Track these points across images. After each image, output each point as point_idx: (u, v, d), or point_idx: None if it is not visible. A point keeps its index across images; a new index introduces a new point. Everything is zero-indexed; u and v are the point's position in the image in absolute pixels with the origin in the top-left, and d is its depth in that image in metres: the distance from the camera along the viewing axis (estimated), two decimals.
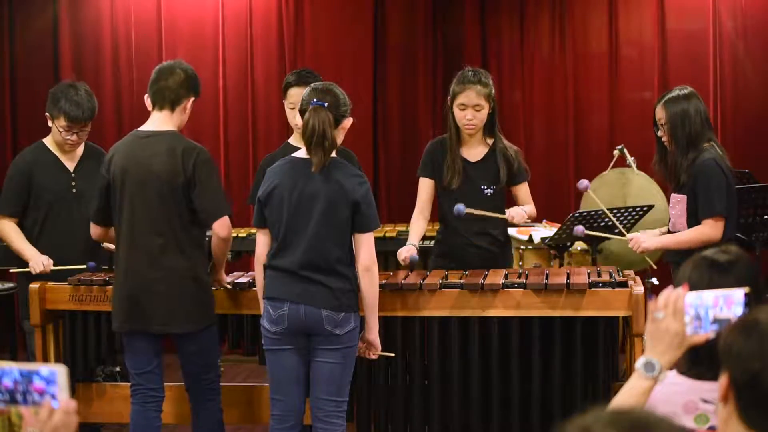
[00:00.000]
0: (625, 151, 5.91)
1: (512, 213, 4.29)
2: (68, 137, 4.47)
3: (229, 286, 4.16)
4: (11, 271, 4.51)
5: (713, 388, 2.07)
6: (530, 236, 5.62)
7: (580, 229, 4.40)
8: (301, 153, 3.69)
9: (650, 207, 4.88)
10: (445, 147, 4.39)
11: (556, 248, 5.30)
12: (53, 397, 1.82)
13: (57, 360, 4.24)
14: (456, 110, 4.34)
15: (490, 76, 4.38)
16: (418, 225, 4.38)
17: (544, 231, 5.70)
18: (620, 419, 1.41)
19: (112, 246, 4.15)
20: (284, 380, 3.68)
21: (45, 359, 4.23)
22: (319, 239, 3.60)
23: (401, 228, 5.81)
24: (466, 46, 6.94)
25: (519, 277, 4.05)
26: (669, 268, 4.57)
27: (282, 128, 4.46)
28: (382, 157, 7.04)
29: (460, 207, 4.18)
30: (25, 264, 4.41)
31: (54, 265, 4.37)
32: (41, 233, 4.49)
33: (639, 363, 2.14)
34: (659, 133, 4.40)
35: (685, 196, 4.31)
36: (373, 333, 3.73)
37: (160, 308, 3.87)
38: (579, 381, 3.91)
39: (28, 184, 4.50)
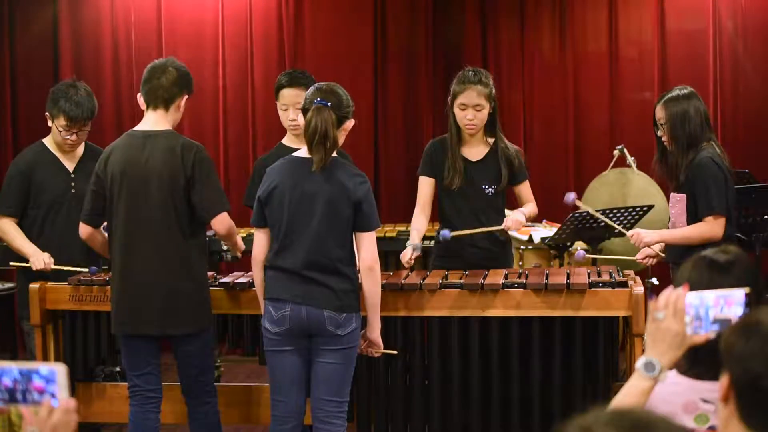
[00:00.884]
0: (625, 151, 5.91)
1: (509, 224, 4.27)
2: (68, 137, 4.46)
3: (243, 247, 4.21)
4: (11, 264, 4.50)
5: (713, 388, 2.07)
6: (530, 236, 5.62)
7: (571, 196, 4.29)
8: (302, 152, 3.69)
9: (650, 207, 4.88)
10: (446, 146, 4.39)
11: (556, 248, 5.30)
12: (53, 396, 1.82)
13: (57, 360, 4.23)
14: (456, 110, 4.34)
15: (490, 76, 4.38)
16: (419, 224, 4.38)
17: (544, 231, 5.71)
18: (620, 419, 1.41)
19: (98, 249, 4.12)
20: (285, 381, 3.68)
21: (45, 359, 4.23)
22: (320, 239, 3.60)
23: (401, 228, 5.82)
24: (466, 46, 6.95)
25: (519, 277, 4.05)
26: (669, 268, 4.57)
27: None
28: (382, 157, 7.04)
29: (445, 232, 4.22)
30: (25, 260, 4.40)
31: (53, 264, 4.37)
32: (40, 233, 4.48)
33: (639, 363, 2.14)
34: (659, 133, 4.40)
35: (684, 195, 4.31)
36: (376, 332, 3.73)
37: (157, 309, 3.86)
38: (579, 381, 3.91)
39: (27, 184, 4.50)
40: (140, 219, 3.86)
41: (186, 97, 3.99)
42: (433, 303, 3.97)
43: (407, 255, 4.15)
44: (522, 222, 4.31)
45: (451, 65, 6.78)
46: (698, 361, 2.24)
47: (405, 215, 5.72)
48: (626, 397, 2.13)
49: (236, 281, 4.18)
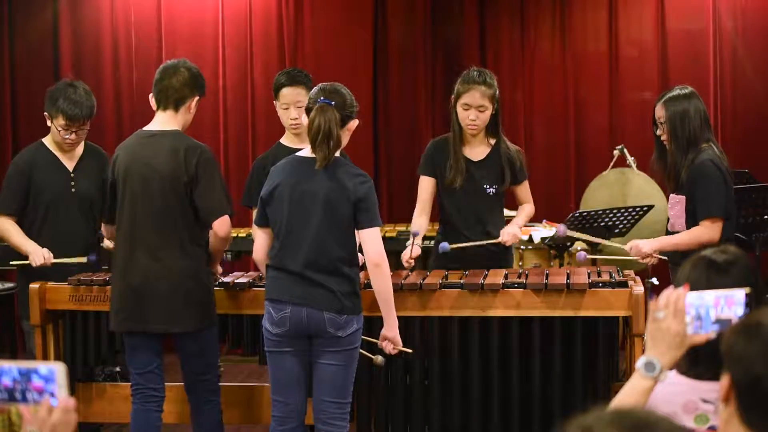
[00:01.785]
0: (625, 151, 5.91)
1: (506, 238, 4.28)
2: (67, 136, 4.46)
3: (221, 278, 4.15)
4: (11, 263, 4.50)
5: (713, 388, 2.07)
6: (530, 236, 5.62)
7: (561, 228, 4.38)
8: (305, 152, 3.69)
9: (650, 207, 4.89)
10: (447, 146, 4.39)
11: (556, 248, 5.30)
12: (52, 395, 1.81)
13: (57, 360, 4.23)
14: (459, 110, 4.34)
15: (495, 77, 4.37)
16: (421, 223, 4.37)
17: (544, 231, 5.71)
18: (621, 419, 1.41)
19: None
20: (285, 382, 3.68)
21: (45, 359, 4.22)
22: (321, 239, 3.59)
23: (401, 228, 5.81)
24: (466, 46, 6.95)
25: (519, 277, 4.05)
26: (669, 268, 4.57)
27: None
28: (382, 157, 7.04)
29: (444, 245, 4.24)
30: (26, 258, 4.40)
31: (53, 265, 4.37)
32: (40, 232, 4.48)
33: (640, 363, 2.14)
34: (658, 132, 4.40)
35: (683, 197, 4.31)
36: (394, 329, 3.69)
37: (160, 307, 3.86)
38: (579, 381, 3.90)
39: (27, 184, 4.50)
40: (143, 218, 3.87)
41: (197, 98, 3.99)
42: (433, 303, 3.97)
43: (407, 255, 4.15)
44: (518, 236, 4.33)
45: (450, 65, 6.78)
46: (698, 361, 2.24)
47: (405, 215, 5.73)
48: (627, 397, 2.13)
49: (236, 281, 4.18)
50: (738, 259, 2.30)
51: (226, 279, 4.22)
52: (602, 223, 4.73)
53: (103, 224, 4.11)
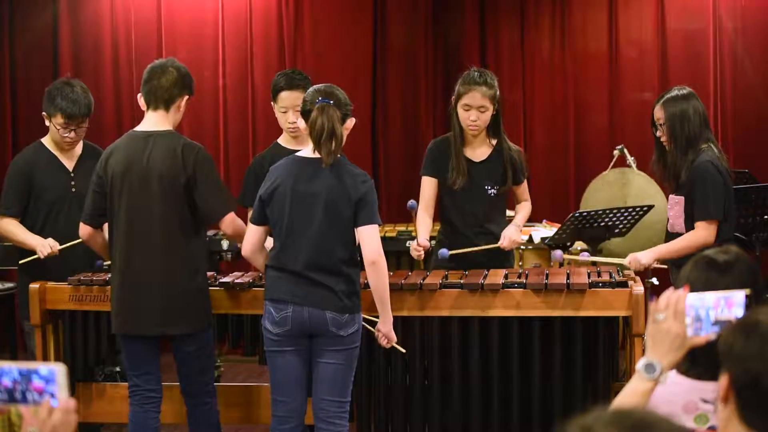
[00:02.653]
0: (625, 151, 5.91)
1: (506, 243, 4.29)
2: (66, 135, 4.46)
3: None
4: (20, 263, 4.49)
5: (713, 388, 2.07)
6: (530, 236, 5.62)
7: (558, 254, 4.41)
8: (305, 152, 3.69)
9: (650, 207, 4.88)
10: (449, 147, 4.39)
11: (556, 248, 5.30)
12: (52, 396, 1.81)
13: (57, 360, 4.23)
14: (460, 110, 4.33)
15: (495, 78, 4.37)
16: (425, 222, 4.37)
17: (544, 231, 5.70)
18: (621, 419, 1.41)
19: (99, 250, 4.12)
20: (286, 381, 3.68)
21: (45, 359, 4.22)
22: (322, 239, 3.59)
23: (401, 228, 5.82)
24: (466, 46, 6.94)
25: (519, 277, 4.05)
26: (669, 268, 4.57)
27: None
28: (382, 157, 7.03)
29: (443, 252, 4.25)
30: (32, 254, 4.39)
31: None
32: (41, 232, 4.47)
33: (640, 364, 2.14)
34: (657, 133, 4.40)
35: (683, 198, 4.31)
36: (388, 325, 3.72)
37: (157, 310, 3.86)
38: (579, 381, 3.91)
39: (27, 184, 4.50)
40: (140, 219, 3.86)
41: (186, 97, 3.98)
42: (433, 303, 3.97)
43: (415, 243, 4.16)
44: (518, 241, 4.34)
45: (450, 65, 6.79)
46: (698, 361, 2.24)
47: (405, 215, 5.72)
48: (627, 398, 2.13)
49: (236, 281, 4.18)
50: (739, 259, 2.30)
51: (226, 279, 4.22)
52: (602, 223, 4.73)
53: (82, 225, 3.99)
